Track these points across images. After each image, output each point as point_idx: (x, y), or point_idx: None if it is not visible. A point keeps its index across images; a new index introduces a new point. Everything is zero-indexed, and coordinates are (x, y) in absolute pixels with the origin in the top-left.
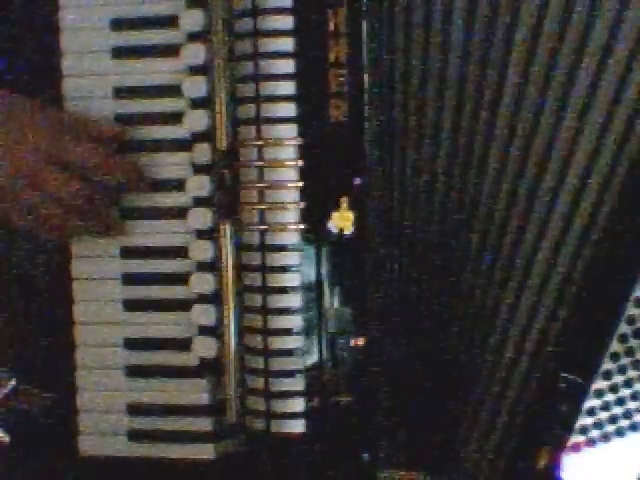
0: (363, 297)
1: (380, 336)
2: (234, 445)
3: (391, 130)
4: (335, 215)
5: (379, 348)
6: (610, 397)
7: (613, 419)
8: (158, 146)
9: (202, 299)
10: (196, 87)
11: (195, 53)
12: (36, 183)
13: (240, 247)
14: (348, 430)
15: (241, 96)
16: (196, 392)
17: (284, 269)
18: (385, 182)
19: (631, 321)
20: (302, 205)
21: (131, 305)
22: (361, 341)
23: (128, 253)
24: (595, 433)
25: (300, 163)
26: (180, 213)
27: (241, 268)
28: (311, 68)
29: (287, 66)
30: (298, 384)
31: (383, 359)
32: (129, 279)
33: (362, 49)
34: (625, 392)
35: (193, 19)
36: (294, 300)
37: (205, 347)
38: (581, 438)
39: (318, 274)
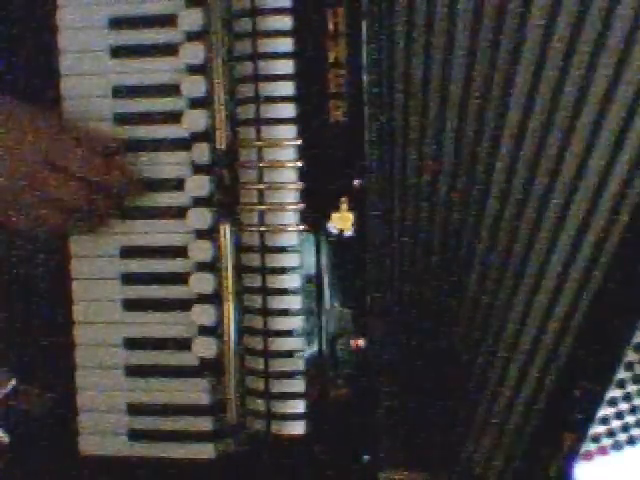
0: (363, 298)
1: (380, 336)
2: (234, 445)
3: (391, 130)
4: (335, 216)
5: (379, 349)
6: (624, 406)
7: (626, 428)
8: (157, 146)
9: (202, 299)
10: (195, 87)
11: (194, 52)
12: (35, 185)
13: (240, 248)
14: (348, 431)
15: (240, 96)
16: (196, 392)
17: (283, 270)
18: (385, 183)
19: None
20: (301, 206)
21: (131, 305)
22: (361, 342)
23: (128, 253)
24: (608, 441)
25: (300, 164)
26: (180, 213)
27: (241, 269)
28: (310, 68)
29: (286, 66)
30: (298, 385)
31: (383, 360)
32: (129, 279)
33: (361, 49)
34: (638, 402)
35: (192, 18)
36: (294, 301)
37: (205, 347)
38: (593, 446)
39: (318, 274)
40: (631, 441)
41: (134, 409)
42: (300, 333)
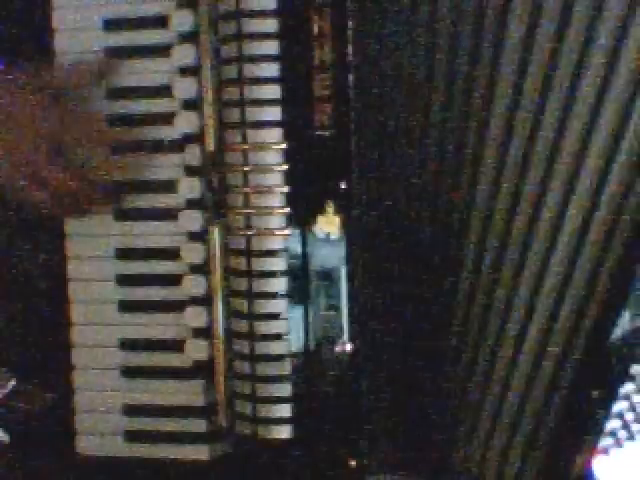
0: (350, 302)
1: (368, 342)
2: (228, 446)
3: (377, 133)
4: (321, 219)
5: (367, 354)
6: (637, 398)
7: (638, 419)
8: (150, 147)
9: (195, 301)
10: (186, 88)
11: (185, 54)
12: (36, 179)
13: (227, 251)
14: (335, 435)
15: (226, 99)
16: (191, 393)
17: (270, 274)
18: (371, 185)
19: None
20: (288, 210)
21: (126, 306)
22: (348, 346)
23: (123, 254)
24: (622, 434)
25: (285, 167)
26: (173, 214)
27: (229, 272)
28: (296, 71)
29: (272, 70)
30: (285, 389)
31: (371, 365)
32: (124, 280)
33: (347, 51)
34: None
35: (182, 19)
36: (281, 305)
37: (197, 349)
38: (610, 440)
39: (305, 277)
40: None
41: (130, 410)
42: (287, 337)
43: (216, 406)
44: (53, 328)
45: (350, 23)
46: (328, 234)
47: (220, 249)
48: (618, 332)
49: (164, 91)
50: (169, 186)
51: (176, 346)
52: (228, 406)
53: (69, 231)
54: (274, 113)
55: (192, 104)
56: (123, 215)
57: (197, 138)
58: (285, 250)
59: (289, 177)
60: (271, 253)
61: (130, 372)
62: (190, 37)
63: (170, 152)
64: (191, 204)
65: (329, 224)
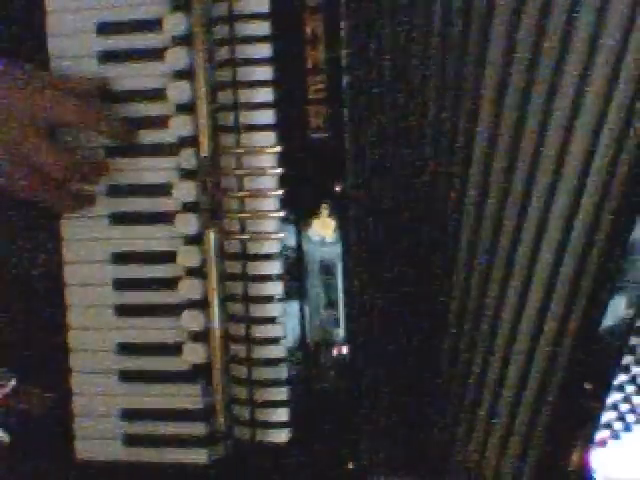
0: (347, 303)
1: (365, 344)
2: (228, 449)
3: (372, 135)
4: (316, 222)
5: (364, 356)
6: (630, 389)
7: (633, 410)
8: (146, 150)
9: (191, 304)
10: (180, 92)
11: (179, 57)
12: (20, 147)
13: (223, 255)
14: (333, 437)
15: (221, 103)
16: (189, 396)
17: (265, 278)
18: (366, 187)
19: None
20: (282, 213)
21: (123, 310)
22: (345, 348)
23: (119, 258)
24: (618, 425)
25: (279, 171)
26: (168, 218)
27: (225, 276)
28: (290, 74)
29: (265, 73)
30: (282, 393)
31: (368, 367)
32: (121, 284)
33: (341, 53)
34: None
35: (176, 23)
36: (276, 309)
37: (194, 353)
38: (606, 432)
39: (301, 280)
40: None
41: (129, 414)
42: (283, 341)
43: (214, 409)
44: (53, 328)
45: (344, 24)
46: (323, 237)
47: (216, 253)
48: (609, 322)
49: (158, 94)
50: (164, 189)
51: (174, 350)
52: (226, 409)
53: (65, 236)
54: (268, 116)
55: (186, 108)
56: (119, 219)
57: (192, 142)
58: (281, 253)
59: (284, 180)
60: (267, 257)
61: (128, 376)
62: (184, 40)
63: (165, 155)
64: (187, 208)
65: (324, 227)
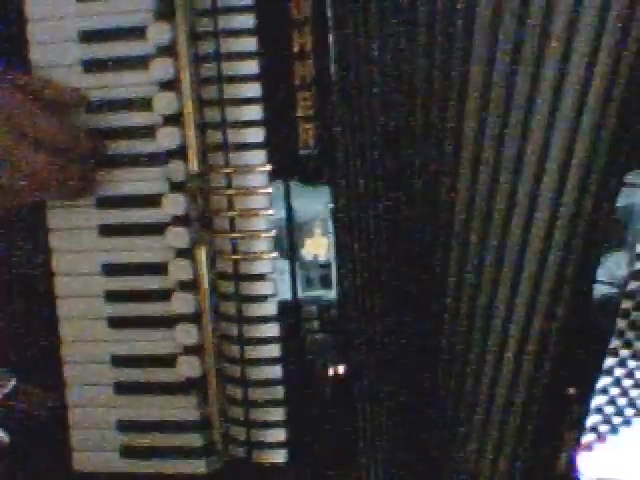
0: (343, 324)
1: (361, 363)
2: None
3: (362, 152)
4: (308, 241)
5: (360, 375)
6: (615, 391)
7: (619, 412)
8: (133, 161)
9: (184, 318)
10: (166, 103)
11: (163, 67)
12: (8, 157)
13: (215, 274)
14: (329, 456)
15: (208, 121)
16: (185, 408)
17: (258, 298)
18: (358, 206)
19: (625, 315)
20: (274, 232)
21: (116, 322)
22: (341, 368)
23: (109, 270)
24: (604, 428)
25: (270, 190)
26: (158, 230)
27: (218, 295)
28: (278, 90)
29: (253, 89)
30: (278, 414)
31: (364, 387)
32: (113, 296)
33: (330, 67)
34: (627, 383)
35: (160, 31)
36: (270, 329)
37: (188, 366)
38: (592, 436)
39: (294, 300)
40: (626, 422)
41: (125, 426)
42: (278, 361)
43: (210, 422)
44: (54, 328)
45: (332, 37)
46: (316, 256)
47: (207, 270)
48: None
49: (144, 104)
50: (153, 201)
51: (168, 362)
52: (221, 422)
53: (54, 246)
54: (257, 134)
55: (173, 119)
56: (108, 230)
57: (180, 153)
58: (273, 273)
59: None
60: (259, 277)
61: (123, 388)
62: (168, 50)
63: (153, 166)
64: (178, 220)
65: (317, 246)
